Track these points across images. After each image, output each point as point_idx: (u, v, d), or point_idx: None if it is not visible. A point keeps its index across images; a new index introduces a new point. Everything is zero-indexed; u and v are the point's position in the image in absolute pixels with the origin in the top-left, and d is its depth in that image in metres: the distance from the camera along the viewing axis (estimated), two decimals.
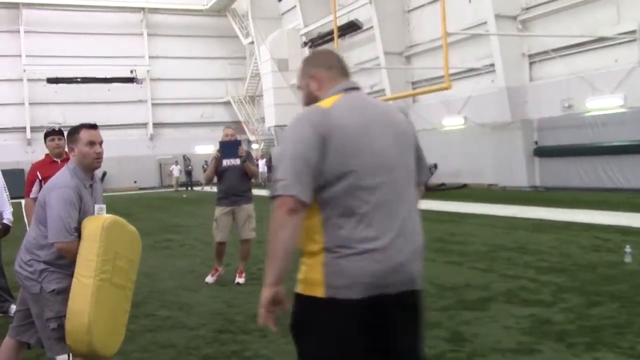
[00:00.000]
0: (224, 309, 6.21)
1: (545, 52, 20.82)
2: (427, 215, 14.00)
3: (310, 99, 2.58)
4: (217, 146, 7.55)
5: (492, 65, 22.05)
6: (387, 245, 2.34)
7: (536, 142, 20.95)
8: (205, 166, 35.87)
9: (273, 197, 2.31)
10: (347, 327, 2.31)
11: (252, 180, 7.61)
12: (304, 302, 2.36)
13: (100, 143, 3.67)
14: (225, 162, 7.43)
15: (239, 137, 7.93)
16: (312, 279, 2.34)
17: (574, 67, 19.88)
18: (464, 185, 23.51)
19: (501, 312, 5.51)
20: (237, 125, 40.02)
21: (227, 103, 41.36)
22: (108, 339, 3.46)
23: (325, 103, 2.44)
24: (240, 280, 7.34)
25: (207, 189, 29.25)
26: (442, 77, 19.85)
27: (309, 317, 2.37)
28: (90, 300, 3.30)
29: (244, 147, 7.58)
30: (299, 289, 2.38)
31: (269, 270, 2.29)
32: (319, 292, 2.32)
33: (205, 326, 5.58)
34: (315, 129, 2.33)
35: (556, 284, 6.50)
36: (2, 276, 6.33)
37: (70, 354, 3.52)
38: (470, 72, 23.91)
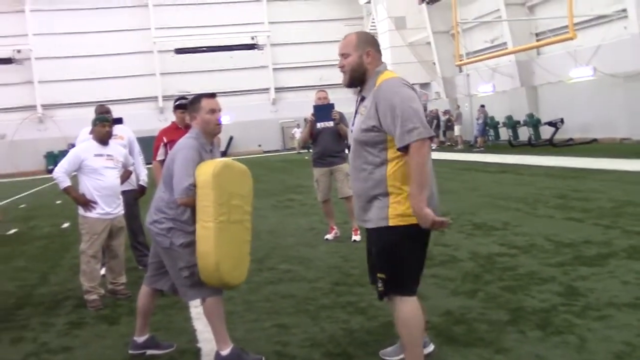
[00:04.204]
0: (340, 263, 6.50)
1: None
2: (550, 171, 13.66)
3: (359, 67, 3.28)
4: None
5: (624, 10, 20.53)
6: None
7: None
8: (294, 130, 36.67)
9: (407, 145, 3.03)
10: (427, 240, 3.34)
11: (346, 142, 7.78)
12: (404, 230, 3.16)
13: (220, 110, 4.00)
14: (320, 125, 7.69)
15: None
16: (409, 212, 3.12)
17: None
18: (594, 140, 22.32)
19: (621, 268, 5.36)
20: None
21: None
22: (235, 271, 3.86)
23: (393, 74, 3.26)
24: (356, 237, 7.59)
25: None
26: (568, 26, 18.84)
27: (409, 239, 3.19)
28: (214, 241, 3.69)
29: (336, 109, 7.75)
30: (394, 222, 3.16)
31: (422, 194, 3.05)
32: (415, 220, 3.11)
33: (322, 279, 5.90)
34: (414, 92, 3.20)
35: None
36: (142, 234, 6.97)
37: (202, 299, 3.92)
38: (599, 20, 22.40)
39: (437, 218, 3.07)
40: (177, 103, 6.42)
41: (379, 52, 3.33)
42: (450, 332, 4.14)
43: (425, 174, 3.07)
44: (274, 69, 41.49)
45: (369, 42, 3.31)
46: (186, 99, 6.31)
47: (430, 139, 3.11)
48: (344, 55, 3.32)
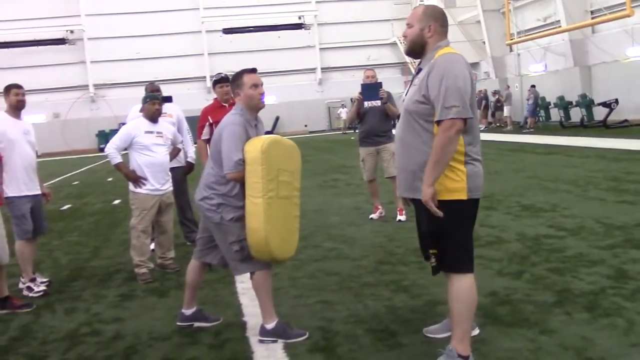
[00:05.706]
0: (385, 243, 6.51)
1: None
2: (602, 153, 13.32)
3: (419, 39, 3.37)
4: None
5: None
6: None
7: None
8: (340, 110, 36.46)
9: (441, 120, 3.08)
10: (474, 217, 3.34)
11: (393, 121, 7.70)
12: (452, 205, 3.17)
13: (262, 85, 4.04)
14: (367, 104, 7.65)
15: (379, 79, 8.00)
16: (454, 187, 3.18)
17: None
18: None
19: None
20: (403, 66, 39.76)
21: (393, 44, 41.05)
22: (285, 246, 3.93)
23: (452, 50, 3.29)
24: (401, 217, 7.56)
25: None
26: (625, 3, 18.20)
27: (458, 214, 3.20)
28: (263, 217, 3.75)
29: (384, 88, 7.68)
30: (441, 197, 3.15)
31: (433, 174, 3.11)
32: (463, 196, 3.19)
33: (367, 257, 5.92)
34: (468, 71, 3.21)
35: None
36: (190, 210, 7.12)
37: (251, 273, 3.99)
38: None
39: (433, 202, 3.11)
40: (214, 79, 6.65)
41: (442, 27, 3.38)
42: (495, 313, 4.12)
43: (447, 153, 3.10)
44: (321, 49, 41.38)
45: (433, 17, 3.37)
46: (221, 74, 6.54)
47: (465, 121, 3.11)
48: (408, 25, 3.43)
